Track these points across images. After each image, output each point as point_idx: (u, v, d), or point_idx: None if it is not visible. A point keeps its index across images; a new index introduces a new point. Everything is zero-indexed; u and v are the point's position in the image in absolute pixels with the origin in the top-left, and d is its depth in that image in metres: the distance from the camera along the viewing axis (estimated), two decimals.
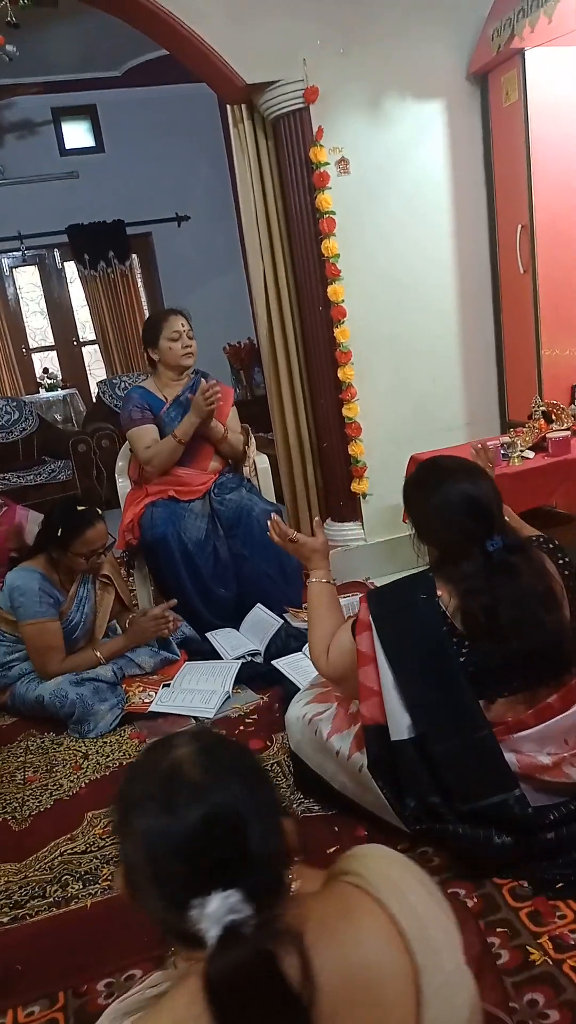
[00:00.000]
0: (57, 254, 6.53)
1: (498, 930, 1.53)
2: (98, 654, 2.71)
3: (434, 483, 1.75)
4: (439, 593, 1.68)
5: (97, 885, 1.85)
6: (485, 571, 1.65)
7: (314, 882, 0.92)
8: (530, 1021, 1.34)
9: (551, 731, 1.68)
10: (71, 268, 6.54)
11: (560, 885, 1.61)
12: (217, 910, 0.74)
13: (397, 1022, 0.78)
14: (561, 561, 1.79)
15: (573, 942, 1.49)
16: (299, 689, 2.37)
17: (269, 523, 2.06)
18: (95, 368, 6.96)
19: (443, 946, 0.83)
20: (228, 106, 3.37)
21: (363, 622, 1.73)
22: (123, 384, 5.80)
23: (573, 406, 3.11)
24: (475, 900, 1.62)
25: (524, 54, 3.06)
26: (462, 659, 1.65)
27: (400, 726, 1.68)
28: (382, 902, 0.83)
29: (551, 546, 1.81)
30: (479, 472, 1.80)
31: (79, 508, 2.67)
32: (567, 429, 2.90)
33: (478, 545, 1.67)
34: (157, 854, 0.79)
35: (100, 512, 2.70)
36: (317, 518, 2.13)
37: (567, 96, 3.13)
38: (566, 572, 1.78)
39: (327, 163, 3.21)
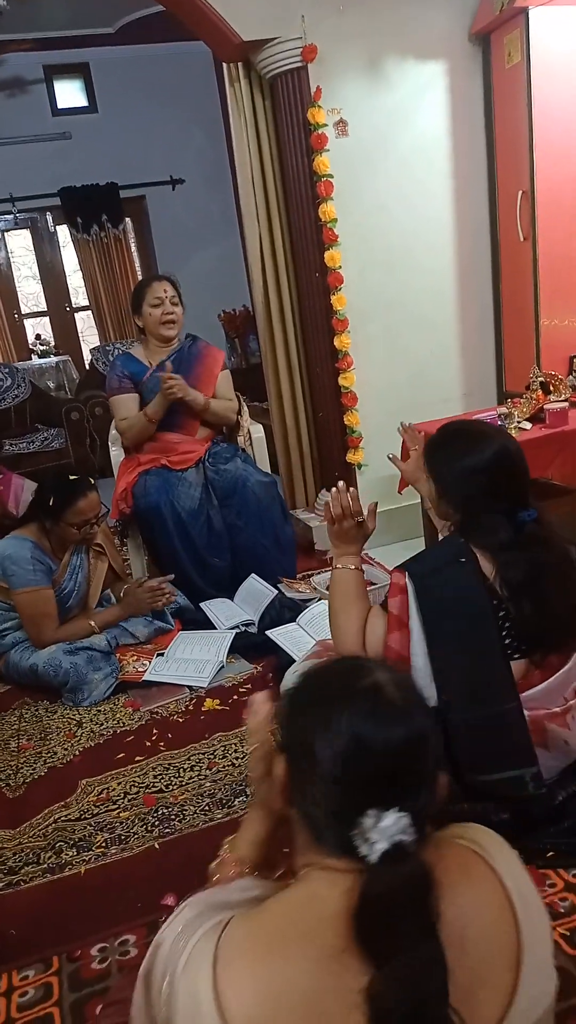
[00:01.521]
0: (49, 217, 6.42)
1: None
2: (92, 623, 2.70)
3: (469, 441, 1.66)
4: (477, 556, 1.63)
5: (91, 852, 1.87)
6: (518, 541, 1.61)
7: None
8: None
9: (553, 687, 1.68)
10: (64, 232, 6.43)
11: (550, 854, 1.63)
12: (391, 826, 0.77)
13: (495, 982, 0.81)
14: None
15: (563, 910, 1.50)
16: (293, 659, 2.38)
17: (334, 490, 1.77)
18: (88, 335, 6.88)
19: (543, 931, 0.86)
20: (224, 64, 3.29)
21: (397, 586, 1.64)
22: (116, 351, 5.74)
23: (571, 377, 3.09)
24: None
25: (528, 13, 2.98)
26: (506, 625, 1.61)
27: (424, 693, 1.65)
28: (498, 873, 0.86)
29: None
30: (510, 437, 1.73)
31: (71, 478, 2.65)
32: (565, 400, 2.88)
33: (507, 515, 1.61)
34: (354, 758, 0.81)
35: (93, 482, 2.69)
36: (375, 503, 1.83)
37: (571, 57, 3.06)
38: None
39: (325, 125, 3.14)
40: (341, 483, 1.82)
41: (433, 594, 1.62)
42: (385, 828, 0.77)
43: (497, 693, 1.59)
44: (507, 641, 1.63)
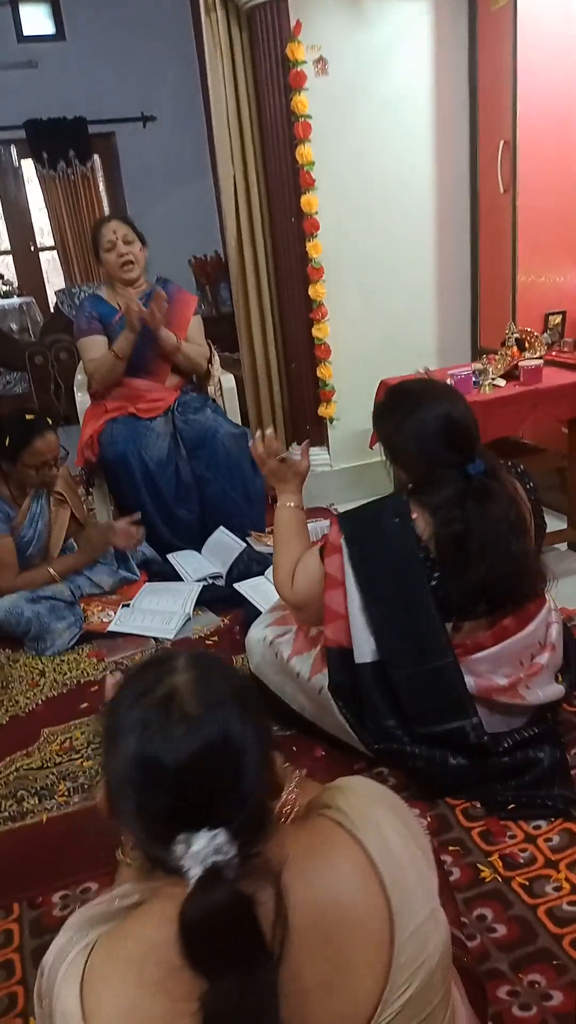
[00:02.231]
0: (14, 150, 6.16)
1: (451, 848, 1.57)
2: (51, 571, 2.65)
3: (410, 406, 1.70)
4: (414, 516, 1.66)
5: (53, 800, 1.86)
6: (461, 497, 1.63)
7: (312, 793, 0.91)
8: (479, 934, 1.38)
9: (506, 652, 1.71)
10: (28, 166, 6.18)
11: (511, 807, 1.66)
12: (202, 850, 0.72)
13: (367, 963, 0.78)
14: (528, 486, 1.79)
15: (522, 860, 1.53)
16: (260, 612, 2.36)
17: (258, 434, 1.94)
18: (53, 276, 6.67)
19: (419, 890, 0.82)
20: None
21: (333, 544, 1.71)
22: (82, 294, 5.57)
23: (546, 334, 3.06)
24: (429, 819, 1.65)
25: None
26: (433, 583, 1.65)
27: (364, 650, 1.70)
28: (362, 842, 0.82)
29: (518, 471, 1.81)
30: (456, 393, 1.76)
31: (28, 417, 2.58)
32: (540, 358, 2.85)
33: (458, 469, 1.64)
34: (147, 783, 0.76)
35: (51, 423, 2.61)
36: (307, 441, 2.05)
37: (559, 2, 2.96)
38: (532, 498, 1.79)
39: (304, 62, 3.02)
40: (268, 431, 1.95)
41: (366, 554, 1.68)
42: (196, 853, 0.72)
43: (431, 649, 1.65)
44: (441, 595, 1.65)
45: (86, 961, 0.77)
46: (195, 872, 0.72)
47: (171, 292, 3.05)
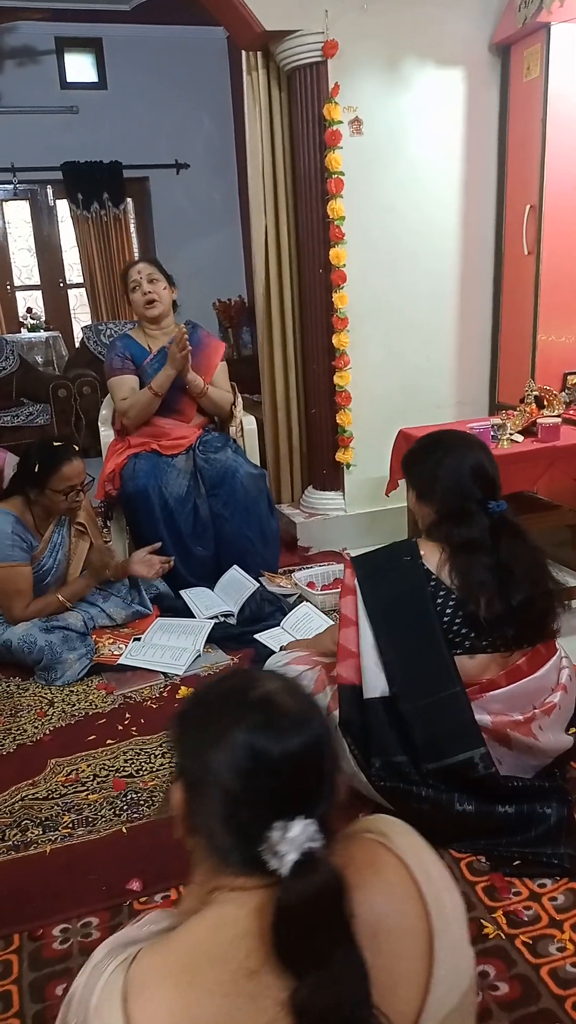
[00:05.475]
0: (50, 191, 6.34)
1: None
2: (60, 597, 2.68)
3: (447, 448, 1.88)
4: (422, 553, 1.80)
5: (57, 832, 1.85)
6: (492, 530, 1.77)
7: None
8: (480, 992, 1.36)
9: (520, 692, 1.76)
10: (63, 207, 6.35)
11: (517, 863, 1.65)
12: (299, 835, 0.76)
13: (412, 973, 0.81)
14: None
15: (526, 918, 1.52)
16: (271, 652, 2.38)
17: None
18: (80, 312, 6.81)
19: (454, 913, 0.86)
20: (243, 52, 3.26)
21: (348, 587, 1.83)
22: (108, 331, 5.68)
23: (565, 393, 3.11)
24: None
25: (550, 29, 2.99)
26: (448, 613, 1.74)
27: (373, 685, 1.76)
28: (404, 861, 0.86)
29: None
30: (484, 445, 1.95)
31: (55, 444, 2.64)
32: (558, 416, 2.90)
33: (481, 505, 1.79)
34: (253, 772, 0.80)
35: (77, 449, 2.66)
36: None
37: None
38: None
39: (340, 122, 3.13)
40: None
41: (379, 591, 1.81)
42: (294, 838, 0.76)
43: (440, 680, 1.73)
44: (464, 633, 1.75)
45: (127, 971, 0.78)
46: (291, 857, 0.75)
47: (201, 338, 3.12)
